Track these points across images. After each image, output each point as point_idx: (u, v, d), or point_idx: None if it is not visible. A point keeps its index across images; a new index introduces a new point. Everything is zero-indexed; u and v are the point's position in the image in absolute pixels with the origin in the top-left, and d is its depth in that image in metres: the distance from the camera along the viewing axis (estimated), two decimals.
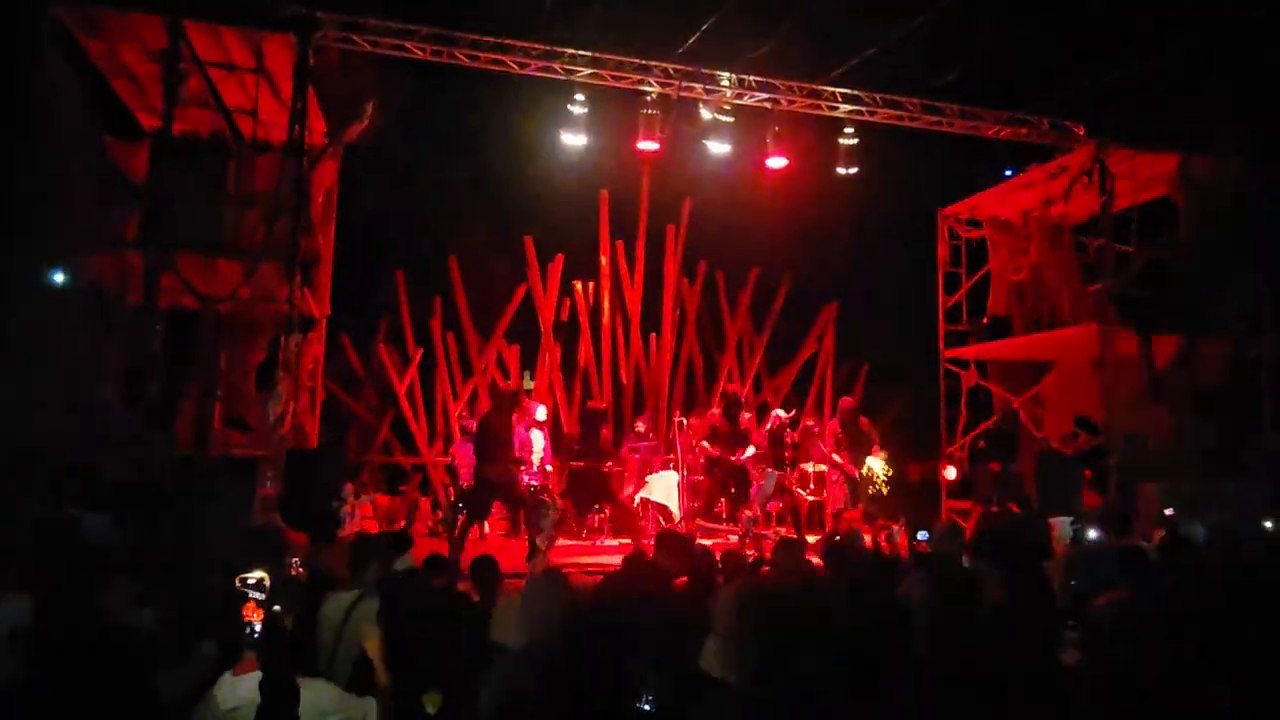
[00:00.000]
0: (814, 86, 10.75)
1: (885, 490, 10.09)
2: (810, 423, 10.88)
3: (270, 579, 2.84)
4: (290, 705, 2.68)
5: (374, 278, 13.56)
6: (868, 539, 9.65)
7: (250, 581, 2.75)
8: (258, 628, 2.75)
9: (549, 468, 10.53)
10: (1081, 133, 11.33)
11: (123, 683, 2.65)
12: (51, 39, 8.35)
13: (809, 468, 10.71)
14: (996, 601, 3.98)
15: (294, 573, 5.51)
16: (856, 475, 10.21)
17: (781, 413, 10.70)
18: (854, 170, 11.22)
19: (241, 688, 2.91)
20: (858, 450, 10.32)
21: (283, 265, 9.11)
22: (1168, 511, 7.27)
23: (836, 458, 10.34)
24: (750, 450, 10.54)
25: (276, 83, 9.72)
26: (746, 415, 11.13)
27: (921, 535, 5.48)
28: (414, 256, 13.93)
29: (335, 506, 8.71)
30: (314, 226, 10.07)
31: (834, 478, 10.52)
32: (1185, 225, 11.27)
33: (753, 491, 10.45)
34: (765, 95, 10.67)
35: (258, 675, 2.89)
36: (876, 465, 10.17)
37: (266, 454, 8.56)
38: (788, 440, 10.38)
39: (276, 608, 2.74)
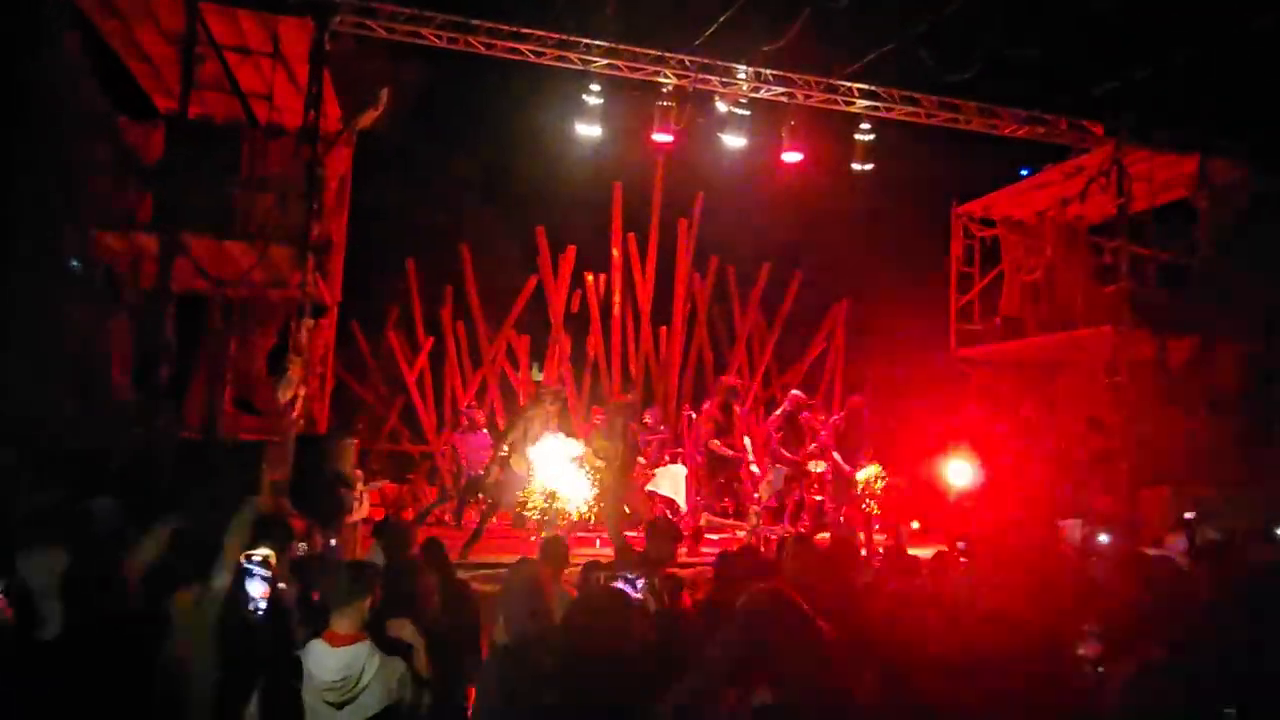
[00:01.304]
0: (830, 81, 10.68)
1: (877, 495, 10.05)
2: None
3: (276, 557, 2.84)
4: (293, 682, 2.66)
5: (385, 265, 13.55)
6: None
7: (256, 559, 2.75)
8: (263, 605, 2.72)
9: None
10: (1099, 133, 11.24)
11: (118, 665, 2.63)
12: (66, 19, 8.33)
13: (813, 467, 10.60)
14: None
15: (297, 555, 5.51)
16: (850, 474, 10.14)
17: (799, 393, 10.64)
18: (869, 167, 11.13)
19: (335, 659, 2.90)
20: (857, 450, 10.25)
21: (295, 250, 9.09)
22: (1187, 515, 7.18)
23: (836, 455, 10.24)
24: (747, 442, 10.45)
25: (292, 67, 9.69)
26: (739, 409, 10.99)
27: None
28: (426, 245, 13.91)
29: (343, 493, 8.70)
30: (327, 212, 10.04)
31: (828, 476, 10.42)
32: (1203, 228, 11.16)
33: (759, 484, 10.38)
34: (781, 89, 10.61)
35: (354, 649, 2.87)
36: (865, 473, 10.11)
37: (276, 439, 8.54)
38: (804, 423, 10.27)
39: (282, 585, 2.73)
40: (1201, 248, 11.14)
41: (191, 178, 8.85)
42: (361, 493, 9.09)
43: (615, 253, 14.10)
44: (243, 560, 2.82)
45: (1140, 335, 10.84)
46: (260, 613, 2.74)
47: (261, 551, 2.82)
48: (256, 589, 2.74)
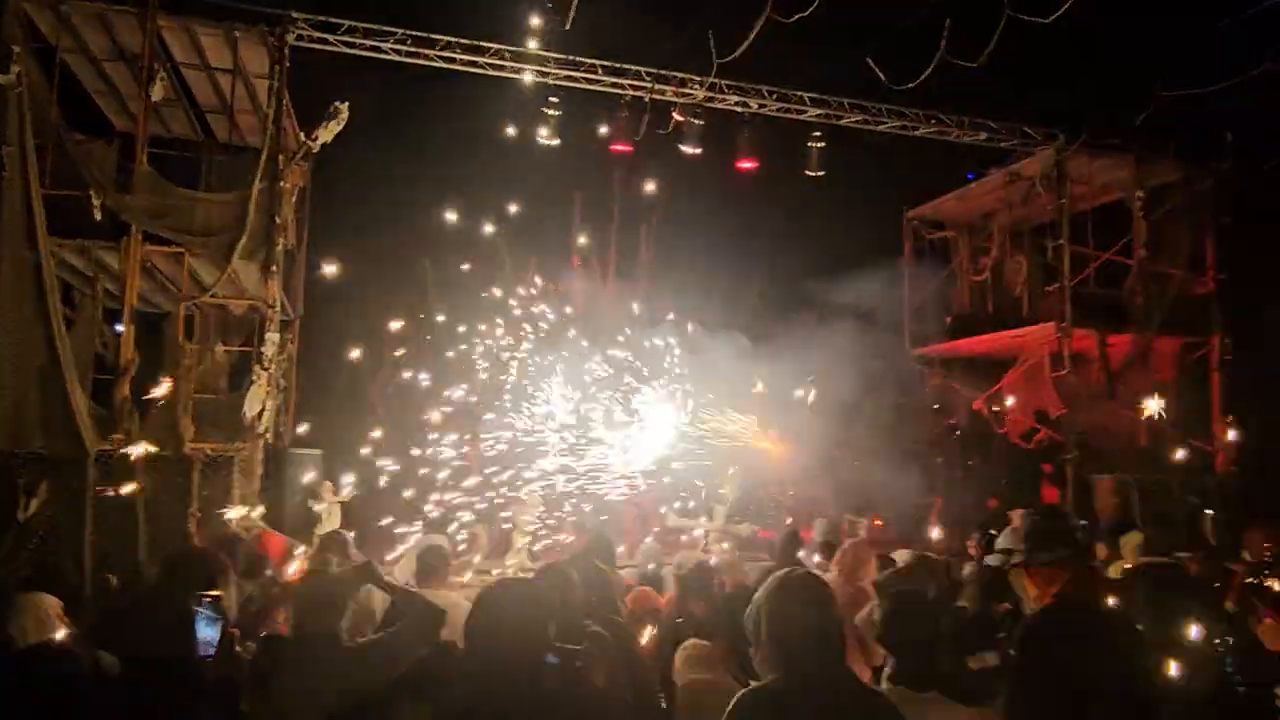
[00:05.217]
0: (783, 90, 10.98)
1: None
2: None
3: (226, 598, 2.71)
4: None
5: (348, 278, 13.50)
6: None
7: (206, 600, 2.61)
8: (213, 647, 2.55)
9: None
10: (1042, 138, 11.69)
11: None
12: (20, 36, 8.30)
13: None
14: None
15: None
16: None
17: None
18: (821, 173, 11.45)
19: None
20: None
21: (257, 265, 9.14)
22: None
23: None
24: None
25: (252, 84, 9.73)
26: None
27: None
28: (387, 257, 13.91)
29: (311, 505, 8.75)
30: (288, 226, 10.08)
31: None
32: (1137, 227, 11.66)
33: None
34: (736, 99, 10.88)
35: None
36: None
37: (243, 453, 8.57)
38: None
39: (235, 630, 2.59)
40: (1137, 246, 11.61)
41: (151, 193, 8.84)
42: (330, 505, 9.13)
43: (575, 261, 14.25)
44: (192, 603, 2.65)
45: (1083, 331, 11.28)
46: (210, 657, 2.54)
47: (213, 593, 2.65)
48: (207, 632, 2.54)
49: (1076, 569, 3.10)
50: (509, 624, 2.30)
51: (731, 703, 2.30)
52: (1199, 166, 11.60)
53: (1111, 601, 3.56)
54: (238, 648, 2.49)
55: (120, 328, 9.05)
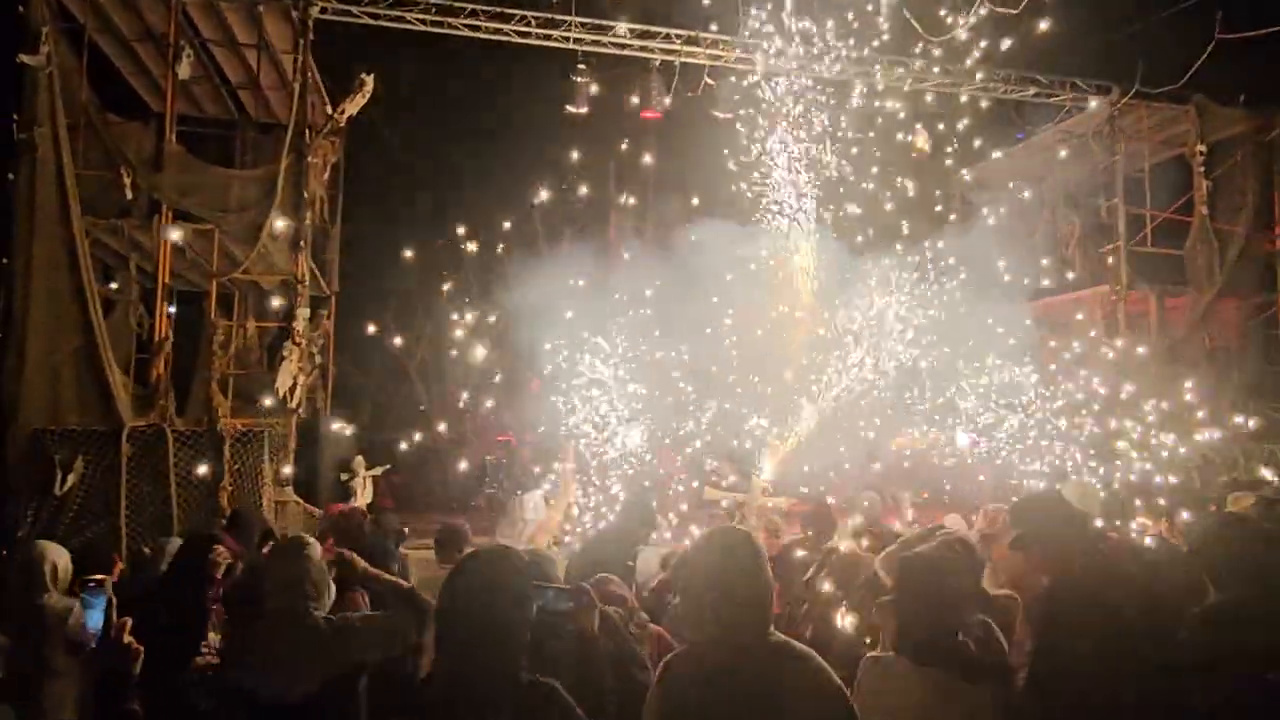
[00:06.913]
0: (816, 51, 10.58)
1: None
2: None
3: (110, 585, 2.43)
4: None
5: (383, 253, 13.59)
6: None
7: (91, 585, 2.40)
8: (98, 638, 2.35)
9: None
10: (1094, 92, 11.11)
11: None
12: (48, 16, 8.37)
13: None
14: None
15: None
16: None
17: None
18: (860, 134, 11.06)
19: None
20: None
21: (289, 241, 9.14)
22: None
23: None
24: None
25: (278, 59, 9.72)
26: None
27: None
28: (422, 230, 13.94)
29: (345, 479, 8.80)
30: (321, 202, 10.08)
31: None
32: (1198, 183, 11.04)
33: None
34: (770, 59, 10.53)
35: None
36: None
37: (277, 428, 8.62)
38: None
39: (127, 621, 2.33)
40: (1198, 203, 11.00)
41: (181, 172, 8.89)
42: (364, 478, 9.18)
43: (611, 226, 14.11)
44: (79, 588, 2.45)
45: (1139, 293, 10.77)
46: (95, 648, 2.32)
47: (97, 576, 2.44)
48: (94, 620, 2.33)
49: (1068, 548, 2.85)
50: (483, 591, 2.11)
51: (658, 670, 2.23)
52: (1263, 117, 10.91)
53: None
54: (127, 638, 2.24)
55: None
